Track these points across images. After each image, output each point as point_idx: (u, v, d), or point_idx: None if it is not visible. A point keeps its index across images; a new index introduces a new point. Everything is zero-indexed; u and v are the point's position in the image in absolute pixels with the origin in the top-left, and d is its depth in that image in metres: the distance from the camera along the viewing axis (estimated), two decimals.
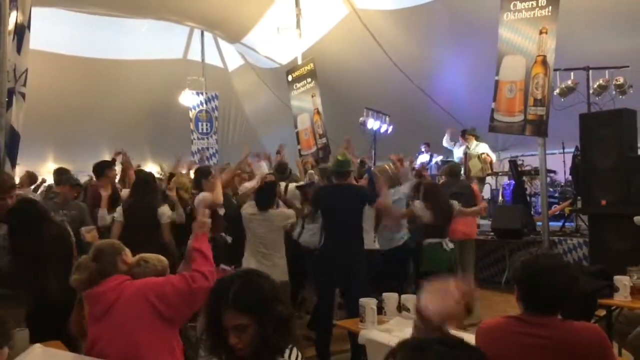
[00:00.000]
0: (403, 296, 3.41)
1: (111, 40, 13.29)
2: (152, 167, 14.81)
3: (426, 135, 10.85)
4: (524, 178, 9.13)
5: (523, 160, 9.86)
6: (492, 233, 7.77)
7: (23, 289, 3.68)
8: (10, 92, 4.22)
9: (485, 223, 8.21)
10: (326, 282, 4.66)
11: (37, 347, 2.39)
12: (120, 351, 2.60)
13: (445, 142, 10.44)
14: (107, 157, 15.06)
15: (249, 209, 4.95)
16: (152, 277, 2.83)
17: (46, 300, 3.52)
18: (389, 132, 9.94)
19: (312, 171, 6.64)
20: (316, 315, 5.05)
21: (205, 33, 13.60)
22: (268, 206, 4.87)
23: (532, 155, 9.57)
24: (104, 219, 4.93)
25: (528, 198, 8.87)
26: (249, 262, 4.76)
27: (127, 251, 2.92)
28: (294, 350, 1.78)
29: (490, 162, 8.85)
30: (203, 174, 5.30)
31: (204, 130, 13.46)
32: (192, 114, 13.48)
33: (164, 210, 4.89)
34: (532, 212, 8.32)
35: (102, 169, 5.48)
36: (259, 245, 4.80)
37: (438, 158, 10.76)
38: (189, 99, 13.34)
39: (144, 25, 13.11)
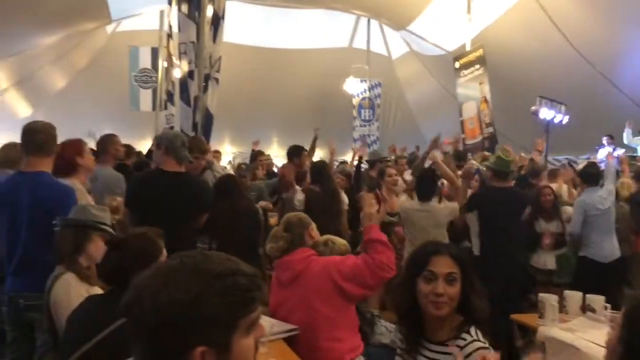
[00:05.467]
0: (588, 296, 3.17)
1: (282, 30, 14.08)
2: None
3: (608, 127, 9.83)
4: None
5: None
6: None
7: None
8: (207, 78, 4.67)
9: None
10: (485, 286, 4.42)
11: None
12: (301, 318, 2.79)
13: (626, 139, 9.39)
14: (276, 142, 15.93)
15: (406, 202, 4.84)
16: (336, 256, 2.97)
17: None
18: (563, 122, 9.19)
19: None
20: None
21: (371, 21, 13.74)
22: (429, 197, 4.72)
23: None
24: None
25: None
26: None
27: (314, 225, 3.10)
28: (479, 331, 1.78)
29: None
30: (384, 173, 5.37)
31: (366, 118, 13.68)
32: (355, 101, 13.76)
33: (344, 198, 5.04)
34: None
35: (297, 152, 5.85)
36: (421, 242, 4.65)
37: (619, 151, 9.69)
38: (353, 87, 13.63)
39: (312, 15, 13.66)
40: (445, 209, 4.69)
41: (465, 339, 1.75)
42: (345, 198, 5.16)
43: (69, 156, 3.58)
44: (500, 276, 4.18)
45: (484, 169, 5.18)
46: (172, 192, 3.39)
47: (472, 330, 1.78)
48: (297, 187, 4.87)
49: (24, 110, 12.91)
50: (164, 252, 2.28)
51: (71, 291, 2.40)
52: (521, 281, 4.42)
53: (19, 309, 3.01)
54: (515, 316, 3.51)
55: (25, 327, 3.04)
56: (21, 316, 3.02)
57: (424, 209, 4.63)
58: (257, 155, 6.77)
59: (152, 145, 8.31)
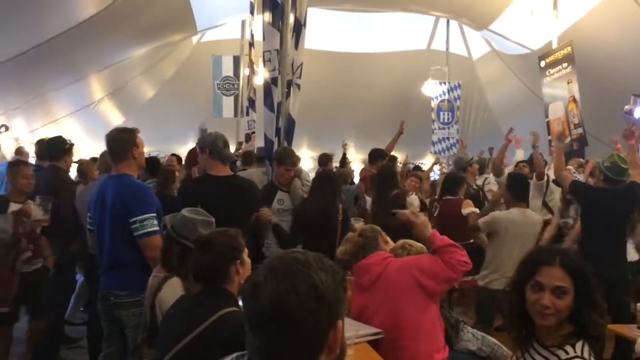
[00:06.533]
0: None
1: (360, 34, 14.10)
2: None
3: None
4: None
5: None
6: None
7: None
8: (289, 84, 4.78)
9: None
10: None
11: None
12: (384, 319, 2.80)
13: None
14: (353, 147, 15.97)
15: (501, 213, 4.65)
16: (413, 256, 2.99)
17: None
18: None
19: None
20: None
21: (451, 22, 13.47)
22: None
23: None
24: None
25: None
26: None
27: (384, 233, 3.14)
28: (586, 347, 1.68)
29: None
30: (460, 181, 5.27)
31: (445, 120, 13.40)
32: (434, 103, 13.52)
33: (412, 200, 5.05)
34: None
35: (378, 156, 5.92)
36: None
37: None
38: (432, 89, 13.40)
39: (390, 19, 13.59)
40: (536, 215, 4.57)
41: (567, 352, 1.66)
42: (415, 201, 5.14)
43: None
44: (602, 284, 3.97)
45: (579, 176, 4.99)
46: (222, 198, 3.40)
47: (579, 344, 1.67)
48: None
49: (117, 118, 13.75)
50: (246, 249, 2.36)
51: (177, 296, 2.53)
52: (624, 290, 4.18)
53: (109, 305, 3.22)
54: (612, 326, 3.32)
55: (117, 322, 3.24)
56: (112, 312, 3.22)
57: (523, 216, 4.42)
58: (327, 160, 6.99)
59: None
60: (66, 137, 5.03)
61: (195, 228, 2.73)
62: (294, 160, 4.41)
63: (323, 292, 1.07)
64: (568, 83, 8.97)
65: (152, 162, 5.55)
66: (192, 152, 4.07)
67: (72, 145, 4.88)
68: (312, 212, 4.15)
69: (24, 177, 4.23)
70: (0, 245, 3.88)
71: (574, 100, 8.88)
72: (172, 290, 2.58)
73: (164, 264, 2.76)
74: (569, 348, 1.66)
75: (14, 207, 4.08)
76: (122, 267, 3.16)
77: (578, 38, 9.09)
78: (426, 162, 15.47)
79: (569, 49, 8.91)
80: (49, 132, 10.16)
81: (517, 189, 4.50)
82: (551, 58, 9.37)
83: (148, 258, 3.02)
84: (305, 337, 1.07)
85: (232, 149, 8.64)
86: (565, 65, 9.04)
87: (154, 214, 3.14)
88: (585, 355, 1.64)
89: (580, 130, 8.82)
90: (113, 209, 3.18)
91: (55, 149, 4.76)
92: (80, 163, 5.83)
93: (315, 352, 1.09)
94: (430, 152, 14.36)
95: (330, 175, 4.59)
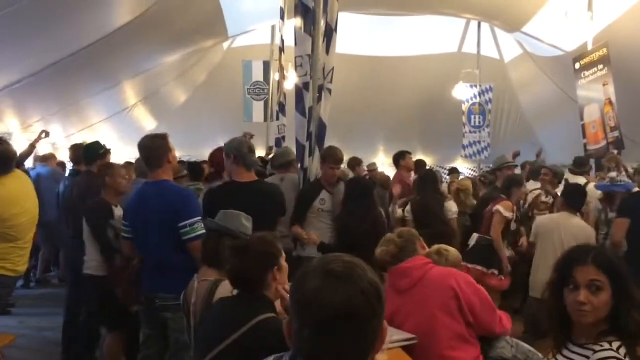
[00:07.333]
0: None
1: (389, 38, 14.06)
2: None
3: None
4: None
5: None
6: None
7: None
8: (320, 88, 4.79)
9: None
10: None
11: None
12: (418, 323, 2.79)
13: None
14: (382, 151, 15.88)
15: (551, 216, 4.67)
16: (455, 269, 2.97)
17: None
18: None
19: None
20: None
21: (482, 24, 13.33)
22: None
23: None
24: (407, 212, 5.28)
25: None
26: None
27: (421, 239, 3.13)
28: (623, 348, 1.66)
29: None
30: (515, 182, 5.19)
31: (476, 124, 13.26)
32: (464, 107, 13.39)
33: (450, 206, 5.02)
34: None
35: (401, 156, 5.93)
36: None
37: None
38: (463, 92, 13.28)
39: (420, 22, 13.51)
40: (586, 224, 4.56)
41: (602, 345, 1.66)
42: (453, 206, 5.11)
43: (220, 162, 3.89)
44: None
45: (622, 176, 4.92)
46: (246, 204, 3.30)
47: (616, 343, 1.67)
48: None
49: (149, 123, 14.01)
50: (283, 253, 2.37)
51: None
52: None
53: (153, 308, 3.25)
54: None
55: (158, 326, 3.27)
56: (156, 315, 3.26)
57: (567, 219, 4.47)
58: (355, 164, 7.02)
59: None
60: (101, 142, 5.13)
61: (240, 220, 2.78)
62: (337, 158, 4.44)
63: (380, 292, 1.14)
64: (603, 85, 8.77)
65: (195, 166, 5.65)
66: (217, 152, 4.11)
67: (106, 150, 4.95)
68: (355, 220, 4.16)
69: (123, 177, 4.25)
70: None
71: (610, 102, 8.68)
72: (228, 292, 2.61)
73: (210, 261, 2.78)
74: (604, 343, 1.67)
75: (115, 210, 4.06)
76: (170, 270, 3.19)
77: (614, 39, 8.88)
78: (457, 165, 15.31)
79: (605, 50, 8.71)
80: (84, 137, 10.40)
81: (571, 198, 4.56)
82: (586, 60, 9.18)
83: (198, 260, 3.05)
84: (368, 336, 1.12)
85: (263, 153, 8.72)
86: (600, 67, 8.84)
87: (201, 217, 3.19)
88: (621, 352, 1.64)
89: (616, 133, 8.61)
90: (160, 214, 3.21)
91: (89, 154, 4.85)
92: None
93: (371, 349, 1.14)
94: (461, 156, 14.22)
95: (363, 182, 4.63)
